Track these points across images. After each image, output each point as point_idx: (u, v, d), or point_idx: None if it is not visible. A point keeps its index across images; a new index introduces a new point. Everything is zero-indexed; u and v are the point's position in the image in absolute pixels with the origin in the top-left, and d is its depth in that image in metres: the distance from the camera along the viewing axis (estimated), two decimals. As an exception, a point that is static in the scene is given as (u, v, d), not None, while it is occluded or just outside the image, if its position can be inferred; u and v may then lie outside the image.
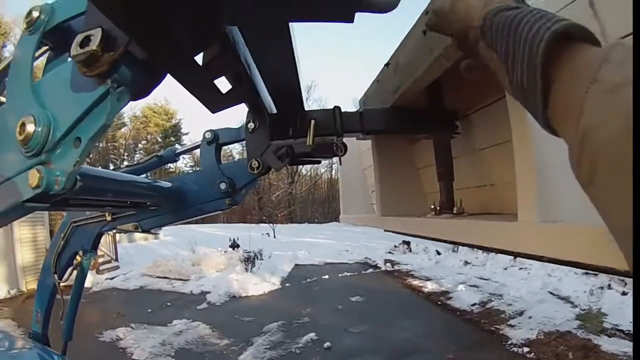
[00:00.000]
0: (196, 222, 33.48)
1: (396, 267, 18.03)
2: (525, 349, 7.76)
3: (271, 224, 33.23)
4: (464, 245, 1.99)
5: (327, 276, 16.07)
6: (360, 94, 2.17)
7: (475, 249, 17.98)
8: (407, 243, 23.25)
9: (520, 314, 9.96)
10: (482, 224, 1.32)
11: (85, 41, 0.67)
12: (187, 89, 0.90)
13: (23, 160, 0.78)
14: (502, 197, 1.57)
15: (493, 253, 12.43)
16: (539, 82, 0.56)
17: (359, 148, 2.70)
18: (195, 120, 67.28)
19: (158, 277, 15.52)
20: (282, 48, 0.92)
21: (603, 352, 7.35)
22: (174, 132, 59.57)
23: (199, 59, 0.85)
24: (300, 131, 1.42)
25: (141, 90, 0.80)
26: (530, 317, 9.59)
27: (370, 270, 17.76)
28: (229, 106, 1.11)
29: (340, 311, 11.01)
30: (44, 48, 0.99)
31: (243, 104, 1.25)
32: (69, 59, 0.80)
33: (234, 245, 20.53)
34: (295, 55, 0.97)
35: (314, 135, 1.41)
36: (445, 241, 1.93)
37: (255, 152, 1.64)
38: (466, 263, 17.67)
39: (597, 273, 11.41)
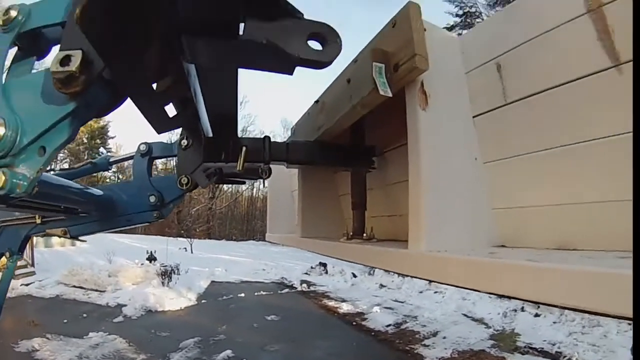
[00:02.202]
0: (114, 232, 32.10)
1: (312, 288, 18.11)
2: None
3: (189, 239, 32.53)
4: (367, 266, 2.24)
5: (243, 294, 15.96)
6: (289, 113, 2.36)
7: (391, 272, 18.55)
8: (324, 265, 23.41)
9: (435, 334, 10.32)
10: (380, 250, 1.60)
11: (66, 60, 0.76)
12: (140, 110, 1.02)
13: None
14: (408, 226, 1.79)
15: (409, 277, 12.91)
16: None
17: (290, 171, 2.84)
18: (123, 124, 64.84)
19: (74, 286, 14.96)
20: (228, 86, 1.06)
21: None
22: (101, 134, 56.79)
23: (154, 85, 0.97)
24: (232, 156, 1.57)
25: (104, 109, 0.92)
26: (444, 338, 9.97)
27: (287, 290, 17.77)
28: (173, 128, 1.24)
29: (256, 329, 10.99)
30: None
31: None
32: (38, 68, 0.90)
33: (151, 259, 20.10)
34: (237, 91, 1.11)
35: (245, 160, 1.56)
36: (354, 262, 2.16)
37: (185, 168, 1.69)
38: (382, 286, 18.02)
39: (510, 297, 12.12)
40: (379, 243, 1.81)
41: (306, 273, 22.52)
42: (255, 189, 55.68)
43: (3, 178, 0.79)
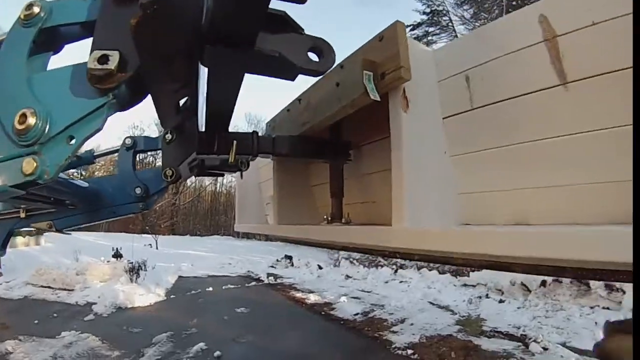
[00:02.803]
0: (78, 230, 31.31)
1: (279, 281, 18.18)
2: (410, 351, 8.24)
3: (154, 235, 32.11)
4: (351, 248, 2.47)
5: (211, 288, 15.93)
6: (252, 108, 2.52)
7: (357, 263, 18.79)
8: (290, 257, 23.67)
9: (402, 321, 10.52)
10: (366, 228, 1.86)
11: (103, 59, 0.88)
12: (156, 106, 1.16)
13: (11, 148, 0.88)
14: (381, 211, 2.02)
15: (374, 268, 13.19)
16: None
17: (257, 164, 2.99)
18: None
19: (42, 286, 14.58)
20: (232, 87, 1.20)
21: (484, 350, 8.01)
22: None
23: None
24: (223, 149, 1.70)
25: (127, 104, 1.04)
26: (412, 324, 10.17)
27: (254, 283, 17.78)
28: (178, 123, 1.37)
29: (227, 322, 11.06)
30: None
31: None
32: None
33: (117, 255, 19.75)
34: (239, 92, 1.25)
35: (235, 153, 1.70)
36: (335, 244, 2.38)
37: (170, 161, 1.77)
38: (347, 277, 18.23)
39: (474, 285, 12.71)
40: (358, 225, 2.04)
41: (272, 266, 22.64)
42: (218, 184, 55.50)
43: (34, 164, 0.86)
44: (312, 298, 14.10)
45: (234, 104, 1.36)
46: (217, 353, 8.37)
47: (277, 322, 11.13)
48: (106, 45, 0.89)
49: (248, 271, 21.07)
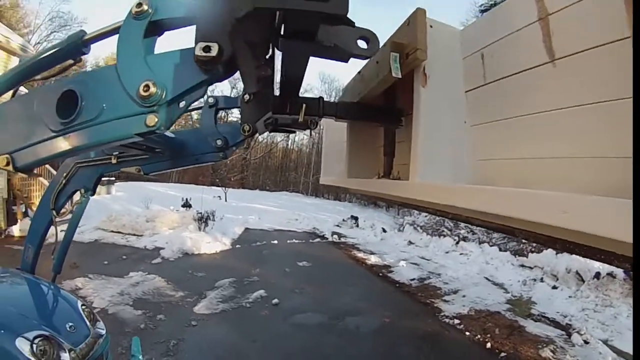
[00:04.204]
0: (148, 180, 32.54)
1: (342, 240, 18.48)
2: (456, 321, 8.46)
3: (223, 188, 32.48)
4: (386, 199, 2.95)
5: (276, 241, 16.41)
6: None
7: (420, 230, 18.77)
8: (355, 218, 23.81)
9: (455, 292, 10.70)
10: (393, 182, 2.33)
11: (207, 49, 1.15)
12: (244, 81, 1.52)
13: (136, 108, 1.14)
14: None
15: (436, 237, 13.27)
16: None
17: (344, 125, 3.32)
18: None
19: (112, 231, 15.15)
20: (301, 64, 1.47)
21: (527, 332, 8.08)
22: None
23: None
24: (294, 110, 2.02)
25: (222, 78, 1.30)
26: (464, 296, 10.33)
27: (318, 240, 18.14)
28: (258, 90, 1.74)
29: (288, 274, 11.50)
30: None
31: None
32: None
33: (186, 205, 20.44)
34: (306, 67, 1.52)
35: (304, 114, 2.02)
36: (376, 195, 2.81)
37: (248, 118, 2.07)
38: (410, 243, 18.43)
39: (532, 267, 12.49)
40: (389, 180, 2.50)
41: (337, 225, 22.89)
42: (290, 141, 55.43)
43: (155, 119, 1.13)
44: (373, 259, 14.44)
45: (303, 77, 1.66)
46: (275, 300, 8.84)
47: (335, 278, 11.55)
48: (209, 38, 1.17)
49: (314, 228, 21.44)
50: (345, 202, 43.60)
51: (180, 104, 1.24)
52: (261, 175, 54.92)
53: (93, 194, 3.03)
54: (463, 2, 53.30)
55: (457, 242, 17.46)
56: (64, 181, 2.94)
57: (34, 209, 8.79)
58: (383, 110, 2.47)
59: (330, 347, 7.00)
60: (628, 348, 7.47)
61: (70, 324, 3.08)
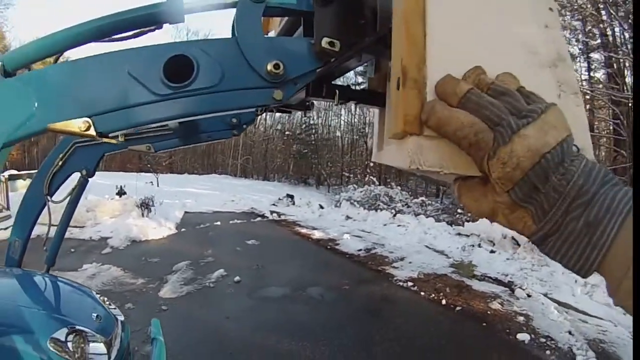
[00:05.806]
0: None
1: (282, 218, 18.74)
2: (410, 284, 9.08)
3: (155, 173, 31.98)
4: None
5: (218, 222, 16.42)
6: None
7: (357, 205, 19.13)
8: (291, 196, 24.16)
9: (402, 259, 11.29)
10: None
11: (332, 44, 1.25)
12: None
13: (262, 82, 1.22)
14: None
15: (373, 211, 13.69)
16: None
17: None
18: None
19: (52, 225, 13.83)
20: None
21: (475, 290, 8.86)
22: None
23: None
24: (329, 95, 2.06)
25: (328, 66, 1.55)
26: (410, 262, 10.95)
27: (259, 219, 18.27)
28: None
29: (240, 252, 11.68)
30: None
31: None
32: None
33: (121, 193, 19.92)
34: None
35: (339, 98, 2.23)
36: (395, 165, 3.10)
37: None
38: (348, 217, 18.91)
39: (468, 235, 13.24)
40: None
41: (274, 204, 23.12)
42: (216, 125, 54.38)
43: (281, 94, 1.23)
44: (317, 234, 14.83)
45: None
46: (236, 278, 9.04)
47: (286, 253, 11.92)
48: (330, 33, 1.24)
49: (251, 208, 21.56)
50: (275, 182, 43.70)
51: (297, 85, 1.31)
52: (189, 159, 53.94)
53: (92, 176, 2.92)
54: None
55: (394, 215, 18.10)
56: (60, 163, 2.82)
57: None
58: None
59: (301, 314, 7.39)
60: (565, 299, 8.42)
61: (95, 314, 3.11)
